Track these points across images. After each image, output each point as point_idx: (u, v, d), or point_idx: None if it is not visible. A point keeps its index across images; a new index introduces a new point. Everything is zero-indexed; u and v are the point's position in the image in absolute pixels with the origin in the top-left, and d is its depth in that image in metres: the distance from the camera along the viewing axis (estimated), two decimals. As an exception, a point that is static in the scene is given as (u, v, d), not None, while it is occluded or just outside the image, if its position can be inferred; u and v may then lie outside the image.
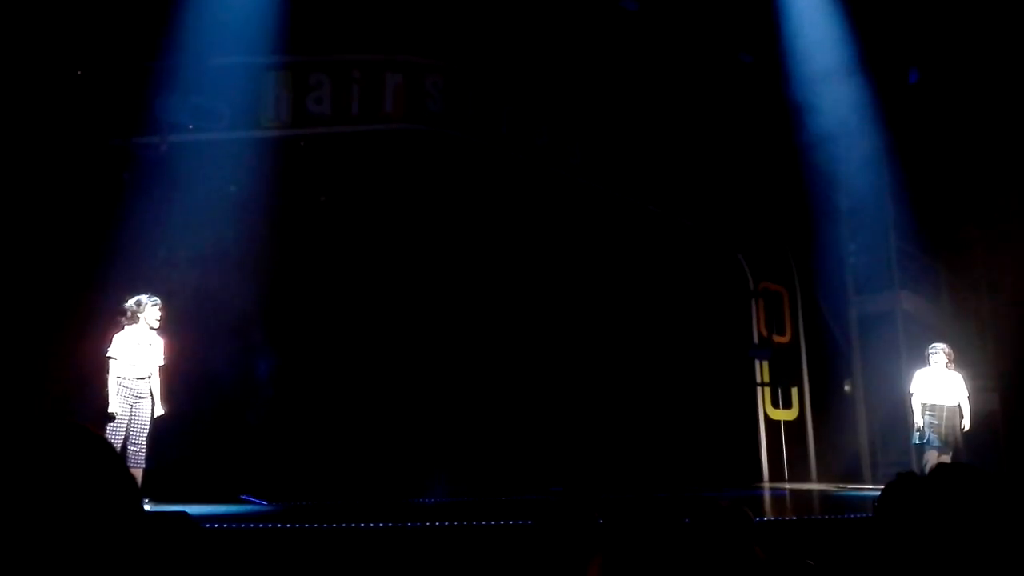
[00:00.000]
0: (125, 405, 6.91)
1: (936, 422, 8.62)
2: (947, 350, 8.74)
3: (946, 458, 8.59)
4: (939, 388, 8.70)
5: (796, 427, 11.93)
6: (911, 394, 8.80)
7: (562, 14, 10.39)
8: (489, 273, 10.35)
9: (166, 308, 7.24)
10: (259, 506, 8.08)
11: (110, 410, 6.80)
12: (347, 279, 9.76)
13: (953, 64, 10.60)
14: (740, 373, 11.96)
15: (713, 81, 11.17)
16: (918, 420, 8.70)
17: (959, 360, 8.87)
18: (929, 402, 8.69)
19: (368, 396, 9.57)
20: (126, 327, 7.05)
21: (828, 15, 10.47)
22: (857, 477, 11.19)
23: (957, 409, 8.67)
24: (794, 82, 10.73)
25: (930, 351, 8.80)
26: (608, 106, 11.26)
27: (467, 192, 10.30)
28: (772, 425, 11.85)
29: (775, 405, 11.99)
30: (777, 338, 12.22)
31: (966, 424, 8.65)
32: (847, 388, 11.87)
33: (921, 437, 8.70)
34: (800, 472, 11.71)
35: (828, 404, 11.90)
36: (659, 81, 11.05)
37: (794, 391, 12.14)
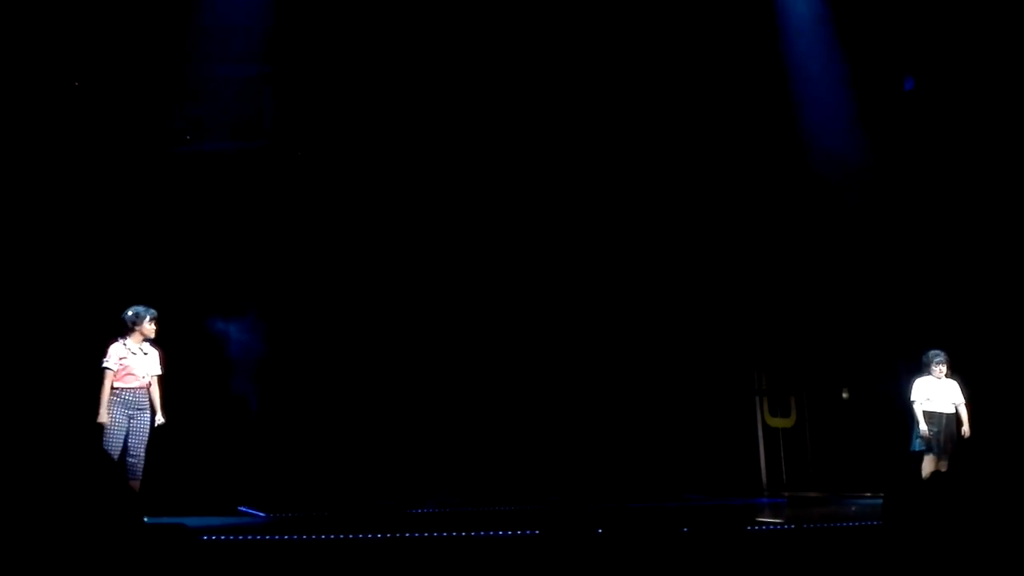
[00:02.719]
0: (122, 417, 6.91)
1: (935, 430, 8.74)
2: (945, 357, 8.84)
3: (944, 465, 8.67)
4: (937, 396, 8.82)
5: (794, 435, 11.91)
6: (913, 402, 8.89)
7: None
8: (487, 279, 10.36)
9: (163, 319, 7.26)
10: (257, 518, 8.06)
11: (99, 420, 6.81)
12: (343, 288, 9.78)
13: (951, 70, 10.62)
14: (738, 381, 11.95)
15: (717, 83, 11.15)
16: (923, 427, 8.79)
17: (957, 366, 8.95)
18: (928, 410, 8.80)
19: (366, 407, 9.56)
20: (121, 338, 7.06)
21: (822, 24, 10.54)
22: (856, 485, 11.16)
23: (955, 416, 8.76)
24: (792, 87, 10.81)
25: (927, 359, 8.91)
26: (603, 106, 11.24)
27: (466, 196, 10.32)
28: (771, 433, 11.84)
29: (773, 413, 11.98)
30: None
31: (966, 430, 8.73)
32: (845, 395, 11.87)
33: (922, 444, 8.80)
34: (799, 480, 11.69)
35: (826, 412, 11.88)
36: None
37: (792, 399, 12.13)
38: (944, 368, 8.83)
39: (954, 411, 8.78)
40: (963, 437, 8.73)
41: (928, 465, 8.77)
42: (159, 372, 7.17)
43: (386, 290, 9.92)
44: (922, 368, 8.93)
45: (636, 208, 11.35)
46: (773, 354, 11.93)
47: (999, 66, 10.15)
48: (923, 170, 10.94)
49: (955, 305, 10.58)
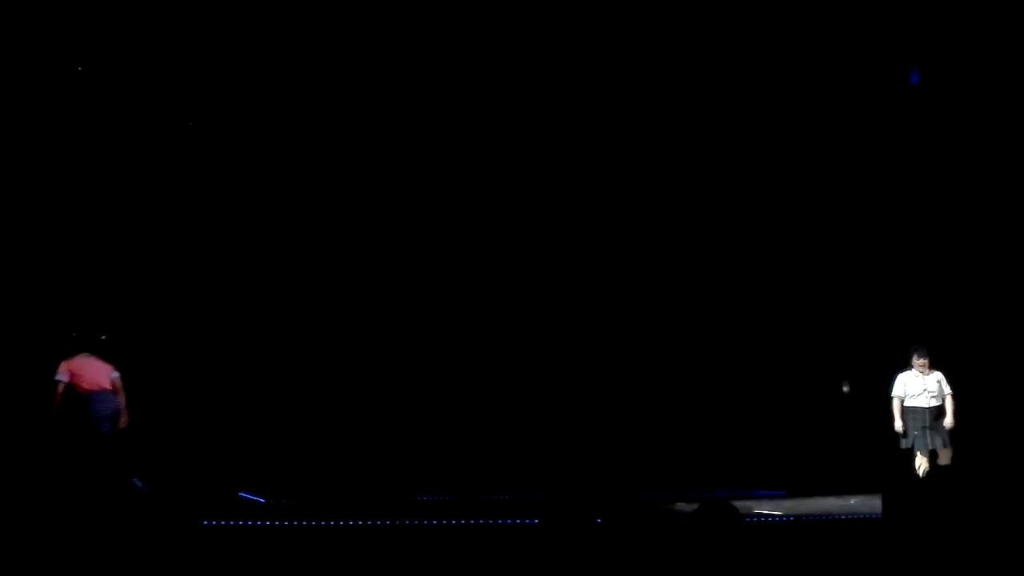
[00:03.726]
0: None
1: (924, 425, 8.67)
2: (924, 351, 8.82)
3: (944, 457, 8.60)
4: (915, 390, 8.78)
5: (796, 428, 11.89)
6: (892, 398, 8.87)
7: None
8: (493, 271, 10.36)
9: (166, 309, 7.39)
10: (257, 503, 8.08)
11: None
12: (344, 276, 9.77)
13: (958, 64, 10.57)
14: (740, 374, 11.94)
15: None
16: (898, 424, 8.78)
17: (946, 359, 8.91)
18: (908, 405, 8.76)
19: (369, 393, 9.57)
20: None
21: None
22: (855, 478, 11.15)
23: (937, 410, 8.72)
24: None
25: (913, 353, 8.86)
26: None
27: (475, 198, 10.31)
28: (771, 425, 11.82)
29: (776, 406, 11.94)
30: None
31: (949, 422, 8.67)
32: (845, 389, 11.87)
33: (906, 441, 8.76)
34: (799, 473, 11.67)
35: (826, 405, 11.87)
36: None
37: (793, 391, 12.11)
38: (924, 361, 8.77)
39: (935, 405, 8.73)
40: (947, 430, 8.64)
41: (917, 461, 8.72)
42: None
43: (398, 272, 9.90)
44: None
45: (642, 203, 11.35)
46: (774, 347, 11.92)
47: (1006, 61, 10.13)
48: (928, 163, 10.92)
49: (957, 299, 10.58)
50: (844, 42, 10.65)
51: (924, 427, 8.70)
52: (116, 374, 8.05)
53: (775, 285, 11.88)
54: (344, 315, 9.71)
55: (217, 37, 8.93)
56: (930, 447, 8.70)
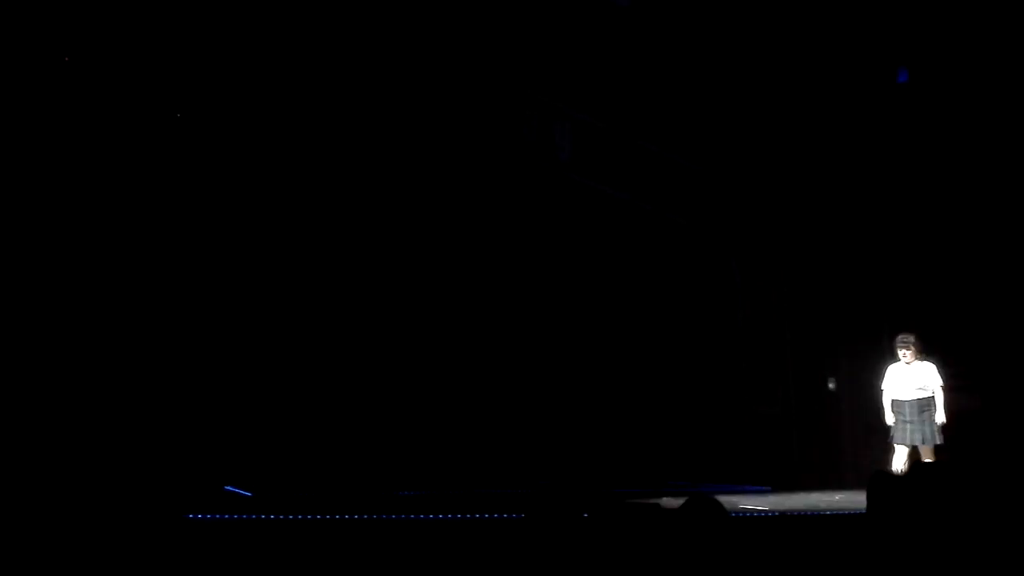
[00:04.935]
0: None
1: (906, 419, 8.48)
2: (913, 341, 8.57)
3: (926, 453, 8.51)
4: (904, 383, 8.55)
5: (780, 424, 11.95)
6: (881, 390, 8.74)
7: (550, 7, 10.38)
8: (477, 268, 10.35)
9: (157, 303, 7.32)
10: (243, 497, 8.07)
11: None
12: (336, 271, 9.75)
13: (947, 62, 10.62)
14: (725, 369, 11.99)
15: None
16: (888, 418, 8.63)
17: (936, 351, 8.82)
18: (894, 398, 8.58)
19: (354, 387, 9.56)
20: None
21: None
22: (841, 475, 11.22)
23: (924, 403, 8.47)
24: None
25: (895, 343, 8.69)
26: (600, 99, 11.22)
27: (454, 186, 10.28)
28: (756, 422, 11.88)
29: (759, 402, 12.00)
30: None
31: (940, 417, 8.42)
32: (831, 385, 11.91)
33: (894, 435, 8.61)
34: (783, 469, 11.75)
35: (812, 401, 11.93)
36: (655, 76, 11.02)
37: (778, 388, 12.16)
38: (908, 353, 8.50)
39: (919, 397, 8.47)
40: (935, 425, 8.38)
41: (898, 455, 8.55)
42: None
43: (376, 270, 9.89)
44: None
45: (635, 200, 11.38)
46: (759, 342, 11.98)
47: (994, 59, 10.18)
48: (916, 163, 10.99)
49: (944, 295, 10.64)
50: (833, 40, 10.70)
51: (906, 421, 8.48)
52: None
53: (766, 282, 11.93)
54: (329, 308, 9.68)
55: (211, 29, 8.88)
56: (911, 442, 8.49)
